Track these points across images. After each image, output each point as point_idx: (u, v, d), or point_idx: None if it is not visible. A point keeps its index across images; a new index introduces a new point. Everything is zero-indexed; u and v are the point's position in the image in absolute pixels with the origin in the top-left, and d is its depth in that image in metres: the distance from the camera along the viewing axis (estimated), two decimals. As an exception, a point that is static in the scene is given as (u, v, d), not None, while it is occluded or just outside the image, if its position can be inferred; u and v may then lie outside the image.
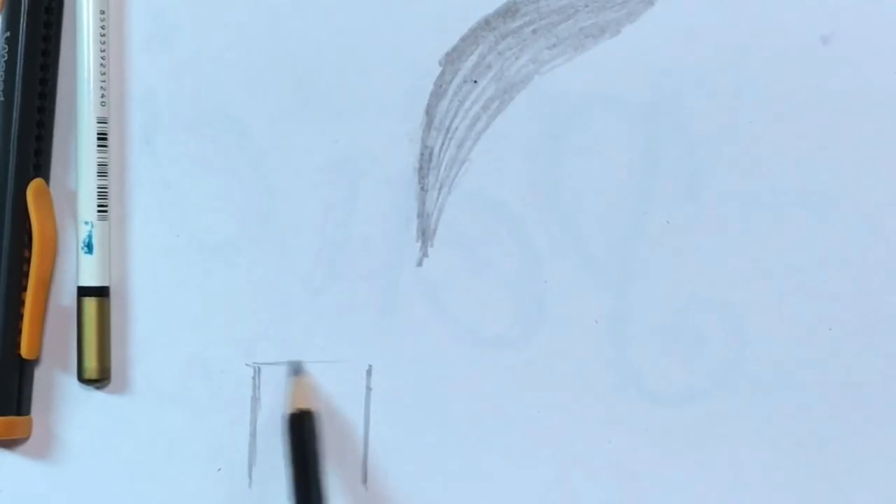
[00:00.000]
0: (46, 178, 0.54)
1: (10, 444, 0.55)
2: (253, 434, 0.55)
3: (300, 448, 0.53)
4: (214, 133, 0.56)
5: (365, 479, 0.55)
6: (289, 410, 0.54)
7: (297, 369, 0.55)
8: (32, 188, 0.54)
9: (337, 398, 0.55)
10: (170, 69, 0.55)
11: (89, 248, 0.54)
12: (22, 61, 0.53)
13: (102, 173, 0.54)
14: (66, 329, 0.55)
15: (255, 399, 0.55)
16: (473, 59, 0.56)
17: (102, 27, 0.54)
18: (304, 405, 0.54)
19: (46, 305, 0.55)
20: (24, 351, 0.53)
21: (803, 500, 0.56)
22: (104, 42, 0.54)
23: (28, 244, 0.54)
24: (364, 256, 0.56)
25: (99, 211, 0.54)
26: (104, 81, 0.54)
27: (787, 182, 0.56)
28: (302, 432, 0.53)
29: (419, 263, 0.56)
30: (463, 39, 0.56)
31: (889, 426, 0.55)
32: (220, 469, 0.55)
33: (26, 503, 0.55)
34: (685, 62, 0.56)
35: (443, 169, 0.56)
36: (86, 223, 0.54)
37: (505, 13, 0.56)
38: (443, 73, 0.56)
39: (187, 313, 0.55)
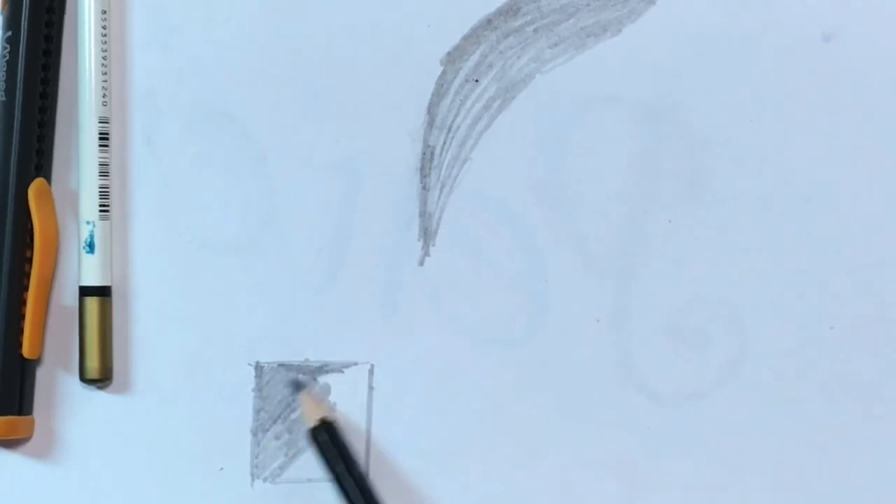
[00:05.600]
0: (48, 178, 0.54)
1: (11, 444, 0.55)
2: (255, 433, 0.55)
3: (336, 454, 0.53)
4: (216, 133, 0.55)
5: (367, 478, 0.55)
6: (309, 424, 0.54)
7: (298, 385, 0.55)
8: (34, 188, 0.54)
9: (339, 397, 0.55)
10: (171, 69, 0.55)
11: (91, 247, 0.54)
12: (24, 61, 0.53)
13: (104, 173, 0.54)
14: (68, 329, 0.55)
15: (257, 398, 0.55)
16: (475, 58, 0.56)
17: (104, 27, 0.54)
18: (319, 415, 0.54)
19: (48, 305, 0.54)
20: (26, 351, 0.53)
21: (803, 500, 0.56)
22: (105, 42, 0.54)
23: (30, 244, 0.54)
24: (366, 256, 0.56)
25: (100, 211, 0.54)
26: (105, 81, 0.54)
27: (788, 181, 0.56)
28: (331, 439, 0.54)
29: (421, 263, 0.56)
30: (464, 38, 0.56)
31: (889, 426, 0.56)
32: (222, 468, 0.55)
33: (28, 503, 0.55)
34: (686, 61, 0.56)
35: (444, 168, 0.56)
36: (87, 223, 0.54)
37: (506, 12, 0.56)
38: (444, 72, 0.56)
39: (189, 313, 0.55)
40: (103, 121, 0.54)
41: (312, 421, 0.54)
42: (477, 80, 0.56)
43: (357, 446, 0.55)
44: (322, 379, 0.55)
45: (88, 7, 0.54)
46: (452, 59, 0.56)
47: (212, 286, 0.55)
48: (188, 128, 0.55)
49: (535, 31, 0.56)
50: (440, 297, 0.56)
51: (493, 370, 0.56)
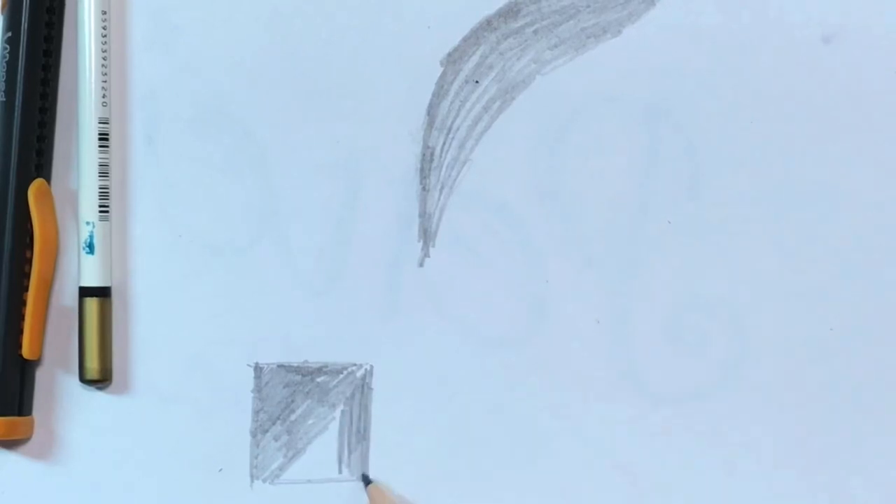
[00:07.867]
0: (48, 179, 0.54)
1: (11, 444, 0.55)
2: (254, 434, 0.55)
3: None
4: (216, 133, 0.55)
5: (367, 479, 0.55)
6: None
7: (367, 480, 0.55)
8: (34, 188, 0.54)
9: (339, 398, 0.55)
10: (171, 69, 0.55)
11: (91, 248, 0.54)
12: (24, 61, 0.53)
13: (104, 173, 0.54)
14: (68, 329, 0.55)
15: (257, 399, 0.55)
16: (475, 59, 0.56)
17: (104, 27, 0.54)
18: None
19: (48, 306, 0.54)
20: (26, 351, 0.53)
21: (803, 500, 0.56)
22: (105, 42, 0.54)
23: (30, 244, 0.54)
24: (365, 257, 0.56)
25: (100, 211, 0.54)
26: (105, 81, 0.54)
27: (788, 182, 0.56)
28: None
29: (421, 264, 0.56)
30: (464, 40, 0.56)
31: (889, 426, 0.56)
32: (221, 469, 0.55)
33: (28, 503, 0.55)
34: (686, 62, 0.56)
35: (444, 169, 0.56)
36: (87, 223, 0.54)
37: (506, 13, 0.56)
38: (444, 73, 0.56)
39: (189, 314, 0.55)
40: (103, 121, 0.54)
41: None
42: (477, 82, 0.56)
43: (358, 447, 0.55)
44: (322, 379, 0.55)
45: (88, 7, 0.54)
46: (452, 60, 0.56)
47: (212, 286, 0.55)
48: (188, 128, 0.55)
49: (535, 32, 0.56)
50: (440, 297, 0.56)
51: (493, 370, 0.56)
